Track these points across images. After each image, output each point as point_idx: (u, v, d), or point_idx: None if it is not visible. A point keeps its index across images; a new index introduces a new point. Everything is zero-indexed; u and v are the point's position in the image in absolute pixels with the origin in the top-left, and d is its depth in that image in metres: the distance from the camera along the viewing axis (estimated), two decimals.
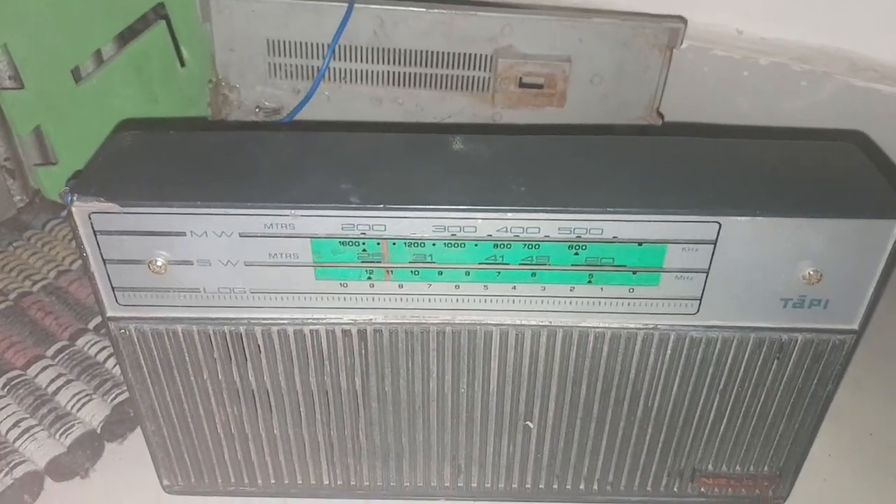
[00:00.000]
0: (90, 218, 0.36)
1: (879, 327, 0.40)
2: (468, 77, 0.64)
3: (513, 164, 0.38)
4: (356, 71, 0.65)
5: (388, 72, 0.65)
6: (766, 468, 0.46)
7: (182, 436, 0.45)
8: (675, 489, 0.47)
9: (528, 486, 0.47)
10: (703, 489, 0.47)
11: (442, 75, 0.64)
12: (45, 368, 0.56)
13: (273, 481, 0.47)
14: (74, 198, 0.36)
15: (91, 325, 0.60)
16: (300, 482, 0.47)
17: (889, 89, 0.63)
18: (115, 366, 0.56)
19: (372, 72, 0.65)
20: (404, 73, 0.65)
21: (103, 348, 0.58)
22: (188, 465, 0.46)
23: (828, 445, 0.52)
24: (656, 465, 0.46)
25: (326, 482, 0.47)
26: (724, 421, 0.44)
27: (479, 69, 0.64)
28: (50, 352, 0.58)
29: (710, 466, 0.46)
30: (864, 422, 0.55)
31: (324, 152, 0.39)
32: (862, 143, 0.41)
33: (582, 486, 0.47)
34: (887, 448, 0.53)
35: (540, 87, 0.63)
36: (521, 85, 0.63)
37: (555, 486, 0.47)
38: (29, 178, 0.71)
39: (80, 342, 0.58)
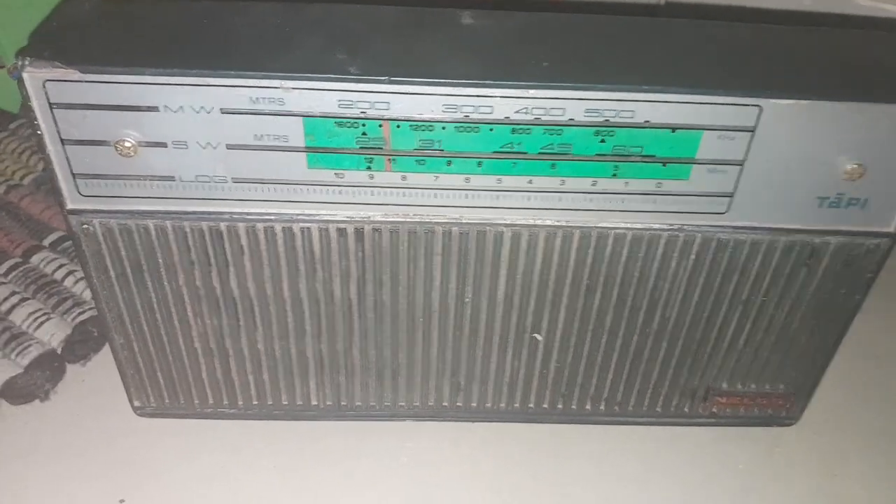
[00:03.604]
0: (45, 87, 0.31)
1: None
2: None
3: (532, 40, 0.34)
4: None
5: None
6: (781, 386, 0.44)
7: (154, 350, 0.40)
8: (686, 409, 0.45)
9: (532, 405, 0.44)
10: (714, 409, 0.45)
11: None
12: None
13: (255, 402, 0.43)
14: (26, 62, 0.30)
15: (46, 243, 0.55)
16: (285, 403, 0.43)
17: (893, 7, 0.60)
18: (75, 283, 0.51)
19: None
20: None
21: (61, 266, 0.53)
22: (161, 384, 0.42)
23: (836, 368, 0.50)
24: (669, 383, 0.43)
25: (314, 403, 0.43)
26: (745, 334, 0.41)
27: None
28: (1, 269, 0.52)
29: (724, 385, 0.44)
30: (871, 344, 0.53)
31: (315, 23, 0.34)
32: None
33: (588, 406, 0.44)
34: (895, 371, 0.51)
35: None
36: None
37: (559, 406, 0.44)
38: None
39: (34, 259, 0.53)
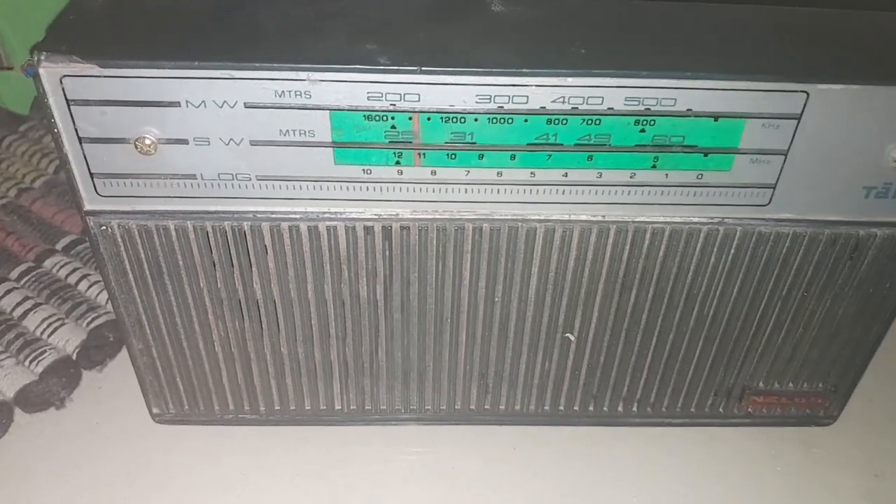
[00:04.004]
0: (62, 83, 0.30)
1: None
2: None
3: (566, 27, 0.33)
4: None
5: None
6: (820, 385, 0.42)
7: (174, 356, 0.39)
8: (721, 409, 0.43)
9: (562, 407, 0.43)
10: (750, 409, 0.43)
11: None
12: (8, 292, 0.50)
13: (277, 408, 0.42)
14: (42, 57, 0.29)
15: (59, 246, 0.54)
16: (308, 408, 0.42)
17: None
18: (89, 287, 0.50)
19: None
20: None
21: (74, 270, 0.51)
22: (181, 390, 0.41)
23: (876, 365, 0.48)
24: (704, 382, 0.42)
25: (338, 407, 0.42)
26: (783, 331, 0.39)
27: None
28: (13, 274, 0.51)
29: (760, 384, 0.42)
30: None
31: (339, 12, 0.33)
32: None
33: (620, 408, 0.43)
34: None
35: None
36: None
37: (590, 408, 0.43)
38: None
39: (46, 264, 0.52)
